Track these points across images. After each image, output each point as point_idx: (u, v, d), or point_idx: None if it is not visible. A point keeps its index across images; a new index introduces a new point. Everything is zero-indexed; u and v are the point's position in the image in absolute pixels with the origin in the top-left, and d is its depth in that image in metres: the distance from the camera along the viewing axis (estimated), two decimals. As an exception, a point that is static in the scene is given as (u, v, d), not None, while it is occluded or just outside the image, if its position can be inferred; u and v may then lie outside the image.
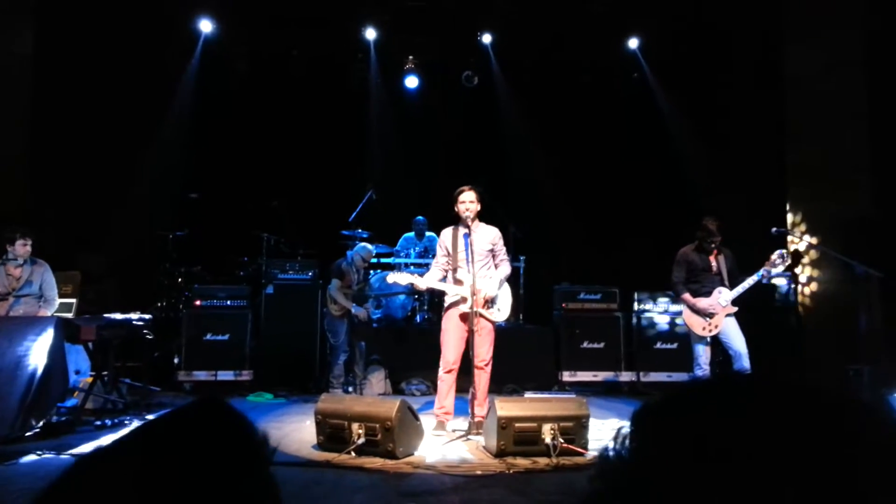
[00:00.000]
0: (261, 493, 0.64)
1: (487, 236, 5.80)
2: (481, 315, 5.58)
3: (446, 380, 5.66)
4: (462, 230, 5.77)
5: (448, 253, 5.80)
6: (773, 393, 0.55)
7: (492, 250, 5.80)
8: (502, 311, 5.82)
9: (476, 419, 5.45)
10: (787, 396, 0.54)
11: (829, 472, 0.48)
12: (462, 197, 5.75)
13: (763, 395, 0.55)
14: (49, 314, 6.31)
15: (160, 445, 0.63)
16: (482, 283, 5.63)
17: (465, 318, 5.63)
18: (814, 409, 0.53)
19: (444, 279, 5.83)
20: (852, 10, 7.98)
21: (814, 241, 7.97)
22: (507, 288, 5.94)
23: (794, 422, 0.51)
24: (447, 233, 5.88)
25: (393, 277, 5.86)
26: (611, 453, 0.57)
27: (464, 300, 5.60)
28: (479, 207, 5.80)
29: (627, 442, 0.57)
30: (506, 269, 5.87)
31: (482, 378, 5.60)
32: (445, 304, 5.85)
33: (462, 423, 5.70)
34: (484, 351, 5.59)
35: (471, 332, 5.48)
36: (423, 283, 5.78)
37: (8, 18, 8.31)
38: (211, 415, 0.67)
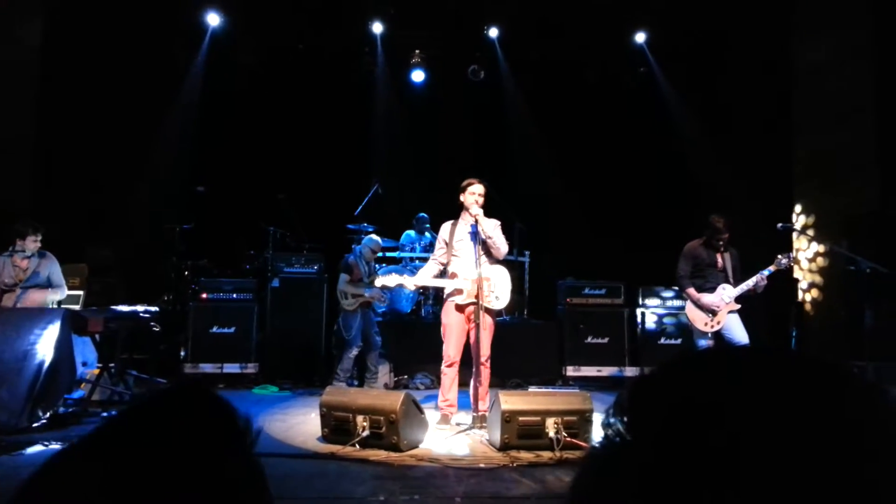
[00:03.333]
0: (245, 478, 0.63)
1: (489, 228, 5.79)
2: (477, 305, 5.49)
3: (449, 373, 5.69)
4: (465, 224, 5.82)
5: (445, 246, 5.85)
6: (776, 362, 0.54)
7: (490, 240, 5.76)
8: (501, 298, 5.77)
9: (479, 413, 5.45)
10: (790, 366, 0.54)
11: (833, 442, 0.47)
12: (473, 188, 5.74)
13: (765, 364, 0.54)
14: (59, 297, 6.37)
15: (136, 433, 0.61)
16: (486, 273, 5.64)
17: (461, 309, 5.67)
18: (817, 379, 0.52)
19: (442, 273, 5.86)
20: (860, 2, 7.94)
21: (819, 236, 7.95)
22: (505, 275, 5.88)
23: (797, 391, 0.51)
24: (447, 226, 5.94)
25: (381, 280, 5.89)
26: (605, 428, 0.56)
27: (459, 292, 5.65)
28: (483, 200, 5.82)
29: (620, 416, 0.55)
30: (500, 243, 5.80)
31: (484, 373, 5.61)
32: (444, 298, 5.90)
33: (465, 418, 5.73)
34: (486, 346, 5.59)
35: (477, 328, 5.46)
36: (413, 282, 5.90)
37: (17, 10, 8.35)
38: (189, 399, 0.66)
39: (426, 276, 5.90)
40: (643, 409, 0.55)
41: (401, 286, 5.96)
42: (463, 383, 6.05)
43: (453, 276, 5.75)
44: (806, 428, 0.48)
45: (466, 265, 5.70)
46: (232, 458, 0.62)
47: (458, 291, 5.66)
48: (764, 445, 0.47)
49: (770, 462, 0.47)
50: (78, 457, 0.61)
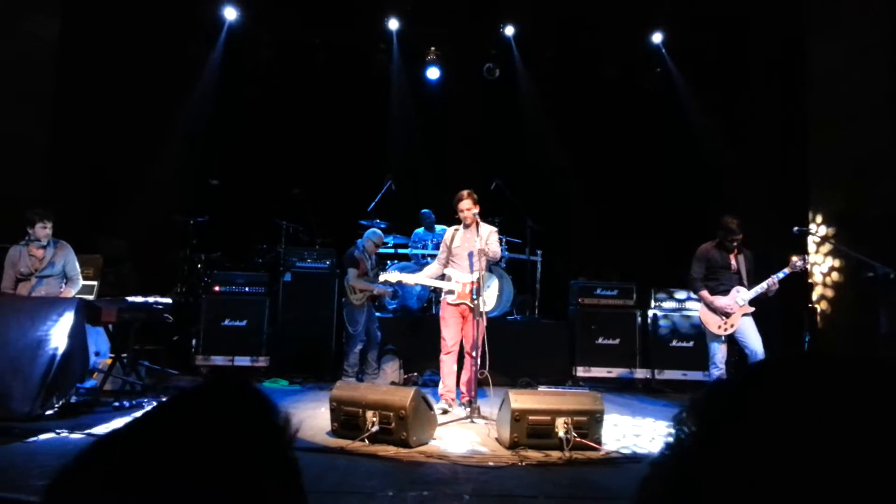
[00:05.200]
0: (283, 476, 0.63)
1: (483, 234, 6.17)
2: (468, 306, 6.07)
3: (447, 361, 6.18)
4: (462, 231, 6.30)
5: (446, 250, 6.32)
6: (853, 370, 0.53)
7: (486, 247, 6.14)
8: (487, 302, 6.15)
9: (463, 399, 6.13)
10: (866, 374, 0.53)
11: None
12: (461, 205, 6.19)
13: (841, 372, 0.54)
14: (73, 293, 6.41)
15: (175, 426, 0.61)
16: (473, 276, 6.07)
17: (454, 306, 6.20)
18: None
19: (443, 275, 6.34)
20: (875, 2, 7.85)
21: (834, 239, 7.88)
22: (496, 283, 6.38)
23: (873, 399, 0.50)
24: (449, 232, 6.41)
25: (384, 276, 6.42)
26: (672, 438, 0.56)
27: (451, 293, 6.19)
28: (477, 209, 6.19)
29: (690, 427, 0.55)
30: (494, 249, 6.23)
31: (469, 363, 6.03)
32: (440, 296, 6.51)
33: (463, 412, 5.98)
34: (471, 338, 5.97)
35: (476, 323, 5.85)
36: (413, 279, 6.55)
37: (35, 3, 8.40)
38: (230, 394, 0.65)
39: (424, 276, 6.49)
40: (721, 414, 0.55)
41: (401, 283, 6.61)
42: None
43: (448, 278, 6.25)
44: (885, 434, 0.48)
45: (461, 270, 6.21)
46: (271, 456, 0.63)
47: (451, 292, 6.19)
48: (841, 452, 0.47)
49: (847, 467, 0.47)
50: (120, 446, 0.61)
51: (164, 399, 0.66)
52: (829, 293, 8.21)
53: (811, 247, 8.27)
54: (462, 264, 6.22)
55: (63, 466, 0.60)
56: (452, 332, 6.17)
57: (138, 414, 0.65)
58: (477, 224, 6.18)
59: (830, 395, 0.51)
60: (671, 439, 0.56)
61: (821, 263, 8.32)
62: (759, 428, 0.51)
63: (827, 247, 8.17)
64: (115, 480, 0.57)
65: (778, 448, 0.49)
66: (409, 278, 6.51)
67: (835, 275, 8.16)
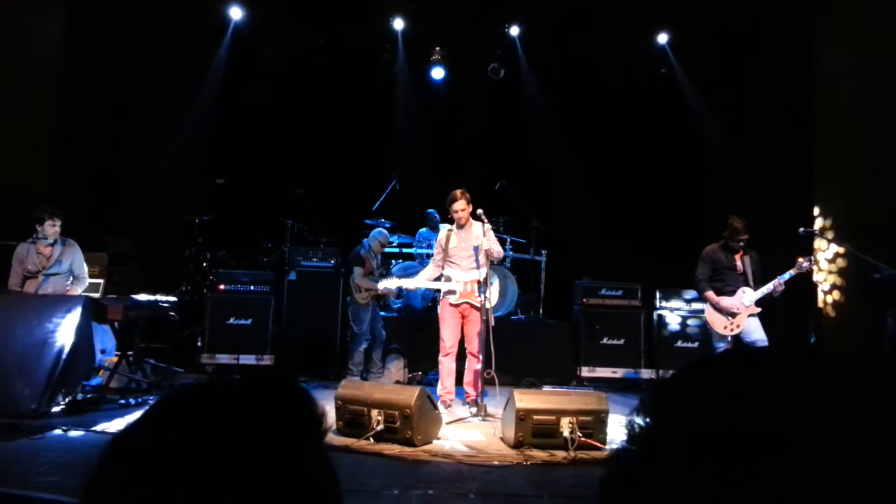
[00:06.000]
0: (321, 465, 0.66)
1: (477, 232, 6.18)
2: (471, 304, 6.08)
3: (445, 363, 6.17)
4: (457, 231, 6.27)
5: (442, 251, 6.30)
6: (823, 368, 0.53)
7: (480, 244, 6.13)
8: (489, 300, 6.11)
9: (468, 399, 6.09)
10: (806, 362, 0.53)
11: (843, 430, 0.47)
12: (455, 206, 6.15)
13: (786, 361, 0.54)
14: (80, 291, 6.43)
15: (232, 414, 0.63)
16: (472, 275, 6.13)
17: (454, 307, 6.16)
18: (828, 371, 0.52)
19: (440, 276, 6.33)
20: (885, 4, 7.82)
21: (840, 241, 7.86)
22: (496, 280, 6.44)
23: (813, 383, 0.50)
24: (444, 233, 6.36)
25: (383, 283, 6.50)
26: (626, 434, 0.56)
27: (452, 293, 6.15)
28: (469, 209, 6.15)
29: (646, 416, 0.55)
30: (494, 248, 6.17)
31: (472, 362, 6.05)
32: (440, 297, 6.41)
33: (465, 411, 6.03)
34: (473, 337, 6.02)
35: (487, 325, 5.87)
36: (412, 283, 6.55)
37: (40, 2, 8.42)
38: (274, 384, 0.67)
39: (423, 279, 6.46)
40: (670, 407, 0.55)
41: (400, 289, 6.67)
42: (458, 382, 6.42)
43: (448, 279, 6.22)
44: (821, 417, 0.48)
45: (461, 270, 6.19)
46: (315, 444, 0.65)
47: (452, 292, 6.15)
48: (782, 437, 0.47)
49: (787, 451, 0.47)
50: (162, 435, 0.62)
51: (209, 383, 0.68)
52: (835, 295, 8.18)
53: (817, 248, 8.25)
54: (462, 264, 6.20)
55: (113, 447, 0.61)
56: (451, 332, 6.15)
57: (186, 396, 0.66)
58: (483, 222, 6.15)
59: (768, 389, 0.51)
60: (625, 436, 0.56)
61: (827, 265, 8.30)
62: (696, 422, 0.51)
63: (833, 248, 8.15)
64: (189, 459, 0.58)
65: (719, 442, 0.49)
66: (409, 283, 6.54)
67: (840, 276, 8.14)
